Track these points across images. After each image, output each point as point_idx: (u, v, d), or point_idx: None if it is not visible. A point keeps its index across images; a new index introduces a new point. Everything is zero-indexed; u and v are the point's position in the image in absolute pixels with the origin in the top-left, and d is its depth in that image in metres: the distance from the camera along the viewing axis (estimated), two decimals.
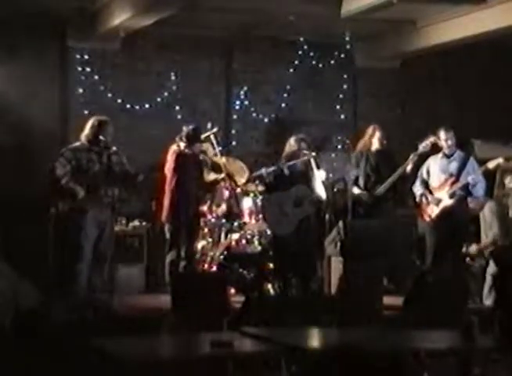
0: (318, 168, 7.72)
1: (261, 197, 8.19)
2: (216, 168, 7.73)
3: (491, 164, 7.82)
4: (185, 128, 7.60)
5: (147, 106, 9.33)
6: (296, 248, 7.63)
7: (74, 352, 5.06)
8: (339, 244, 7.77)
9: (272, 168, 7.77)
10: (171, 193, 7.45)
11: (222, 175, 7.78)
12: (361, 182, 8.17)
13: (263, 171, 7.80)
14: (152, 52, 9.32)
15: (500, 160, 7.77)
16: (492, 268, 7.52)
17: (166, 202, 7.48)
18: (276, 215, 7.73)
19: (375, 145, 8.16)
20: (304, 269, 7.69)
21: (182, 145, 7.45)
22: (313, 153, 7.74)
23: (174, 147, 7.50)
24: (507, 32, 8.40)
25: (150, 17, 8.22)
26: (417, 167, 8.05)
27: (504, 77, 10.13)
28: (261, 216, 8.14)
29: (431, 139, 7.87)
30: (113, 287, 7.42)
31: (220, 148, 8.20)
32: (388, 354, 4.51)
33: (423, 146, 7.88)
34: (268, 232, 8.05)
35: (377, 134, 8.16)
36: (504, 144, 9.48)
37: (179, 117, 9.36)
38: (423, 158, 8.05)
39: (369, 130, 8.25)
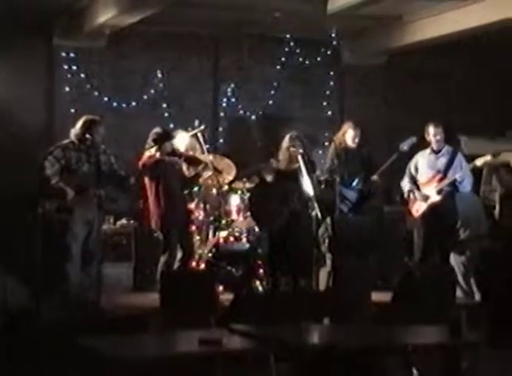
0: (306, 164, 7.69)
1: (248, 194, 8.17)
2: (193, 162, 7.67)
3: (479, 162, 7.83)
4: (150, 134, 7.56)
5: (134, 104, 9.31)
6: (286, 245, 7.61)
7: (62, 351, 4.99)
8: (327, 240, 7.74)
9: (263, 165, 7.75)
10: (155, 199, 7.41)
11: (200, 168, 7.73)
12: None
13: (253, 168, 7.75)
14: (138, 50, 9.29)
15: (488, 157, 7.77)
16: (465, 256, 7.58)
17: (152, 209, 7.44)
18: (264, 211, 7.71)
19: (348, 142, 8.14)
20: (298, 267, 7.66)
21: (153, 150, 7.41)
22: (300, 150, 7.70)
23: (146, 154, 7.45)
24: (494, 27, 8.41)
25: (136, 15, 8.18)
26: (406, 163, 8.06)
27: (490, 73, 10.14)
28: (248, 213, 8.11)
29: (413, 139, 7.88)
30: (100, 286, 7.34)
31: (207, 146, 8.17)
32: (376, 350, 4.53)
33: (403, 145, 7.88)
34: (256, 229, 8.03)
35: (350, 131, 8.14)
36: (491, 140, 9.49)
37: (166, 114, 9.34)
38: (409, 155, 8.05)
39: (344, 126, 8.25)
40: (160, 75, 9.40)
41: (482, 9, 8.26)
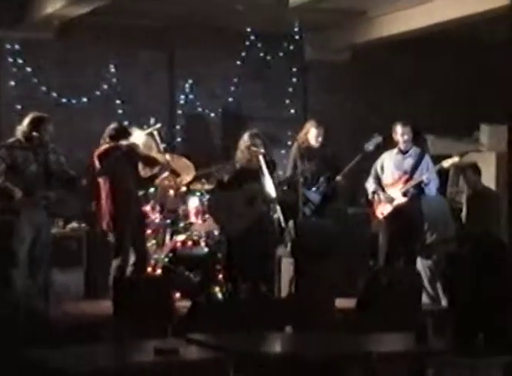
0: (268, 164, 7.44)
1: (207, 196, 8.02)
2: (150, 162, 7.49)
3: (446, 163, 7.79)
4: (106, 129, 7.40)
5: (85, 100, 9.17)
6: (250, 249, 7.44)
7: (7, 363, 4.87)
8: (289, 244, 7.60)
9: (221, 165, 7.62)
10: (108, 198, 7.18)
11: (157, 169, 7.58)
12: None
13: (213, 168, 7.59)
14: (89, 42, 9.13)
15: (456, 159, 7.75)
16: (432, 261, 7.49)
17: (104, 208, 7.23)
18: (227, 214, 7.53)
19: (311, 141, 7.96)
20: (259, 272, 7.50)
21: (108, 146, 7.17)
22: (262, 150, 7.49)
23: (100, 150, 7.22)
24: (459, 24, 8.44)
25: (85, 6, 8.03)
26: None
27: (457, 70, 10.18)
28: (207, 216, 7.96)
29: (378, 138, 7.80)
30: (49, 294, 7.14)
31: (164, 144, 8.00)
32: (340, 358, 4.48)
33: (368, 145, 7.79)
34: (216, 232, 7.88)
35: (313, 130, 7.97)
36: (457, 140, 9.54)
37: (120, 111, 9.21)
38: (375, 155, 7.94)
39: (306, 125, 8.09)
40: (113, 70, 9.25)
41: (448, 4, 8.27)
